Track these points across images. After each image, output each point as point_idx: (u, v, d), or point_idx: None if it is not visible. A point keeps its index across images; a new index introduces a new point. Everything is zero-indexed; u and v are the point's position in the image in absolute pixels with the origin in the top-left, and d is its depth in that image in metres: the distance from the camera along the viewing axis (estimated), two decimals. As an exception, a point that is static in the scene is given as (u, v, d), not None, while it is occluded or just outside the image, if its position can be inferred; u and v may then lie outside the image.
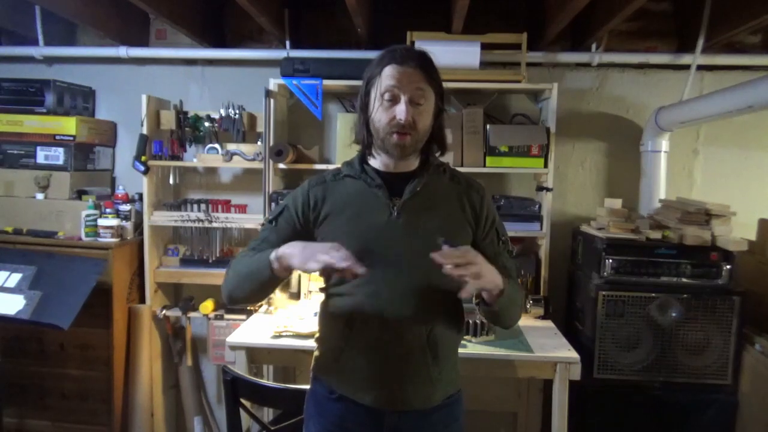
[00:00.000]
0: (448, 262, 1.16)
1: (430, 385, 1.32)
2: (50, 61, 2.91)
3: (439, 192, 1.36)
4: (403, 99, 1.26)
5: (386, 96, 1.27)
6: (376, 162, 1.37)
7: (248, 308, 2.58)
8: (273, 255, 1.27)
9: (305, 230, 1.38)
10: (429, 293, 1.30)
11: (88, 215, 2.54)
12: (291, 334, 2.10)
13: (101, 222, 2.55)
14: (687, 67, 2.59)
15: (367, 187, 1.34)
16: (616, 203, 2.46)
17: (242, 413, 1.72)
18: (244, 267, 1.35)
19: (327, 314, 1.39)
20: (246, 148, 2.64)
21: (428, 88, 1.29)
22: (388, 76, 1.27)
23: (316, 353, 1.42)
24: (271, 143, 2.50)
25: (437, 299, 1.32)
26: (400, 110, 1.26)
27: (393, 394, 1.30)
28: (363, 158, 1.39)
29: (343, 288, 1.33)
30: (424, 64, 1.29)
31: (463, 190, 1.38)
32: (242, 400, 1.71)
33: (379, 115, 1.28)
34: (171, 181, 2.82)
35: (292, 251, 1.25)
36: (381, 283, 1.29)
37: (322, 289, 1.42)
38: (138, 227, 2.71)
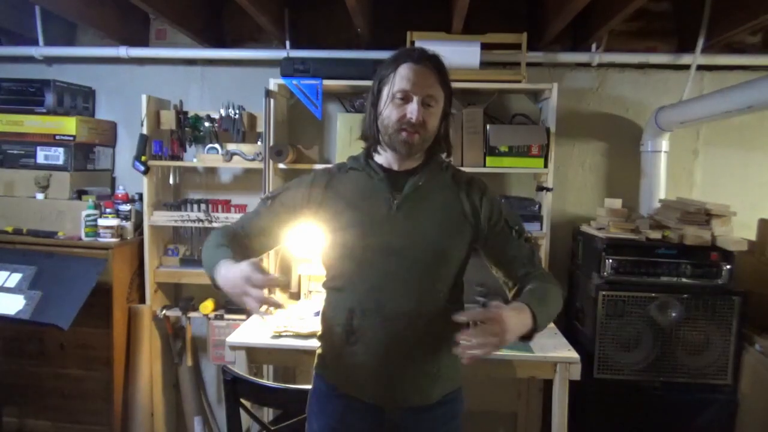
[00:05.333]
0: (471, 345, 1.10)
1: (429, 381, 1.33)
2: (50, 61, 2.91)
3: (440, 188, 1.38)
4: (415, 99, 1.28)
5: (399, 94, 1.28)
6: (381, 159, 1.39)
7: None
8: (218, 270, 1.23)
9: (303, 215, 1.39)
10: (428, 288, 1.32)
11: (88, 215, 2.53)
12: (291, 334, 2.10)
13: (101, 222, 2.55)
14: (687, 67, 2.58)
15: (370, 180, 1.36)
16: (616, 203, 2.46)
17: (242, 413, 1.72)
18: (208, 249, 1.33)
19: (328, 311, 1.40)
20: (246, 148, 2.64)
21: (440, 90, 1.31)
22: (402, 75, 1.28)
23: (318, 351, 1.43)
24: (271, 143, 2.50)
25: (436, 294, 1.33)
26: (412, 109, 1.27)
27: (393, 391, 1.31)
28: (368, 153, 1.40)
29: (342, 282, 1.34)
30: (438, 66, 1.31)
31: (463, 188, 1.39)
32: (242, 400, 1.71)
33: (389, 112, 1.30)
34: (171, 181, 2.81)
35: (224, 284, 1.22)
36: (380, 277, 1.30)
37: (323, 285, 1.43)
38: (138, 227, 2.70)
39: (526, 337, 1.23)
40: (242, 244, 1.39)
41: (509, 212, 1.42)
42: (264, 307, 1.17)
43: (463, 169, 1.50)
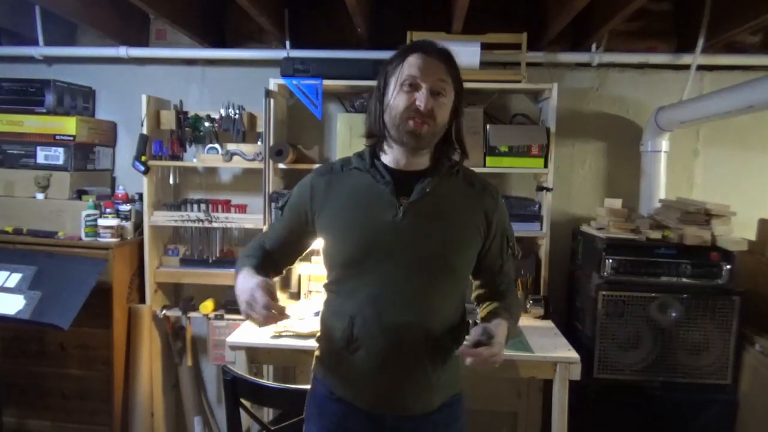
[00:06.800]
0: (476, 362, 1.16)
1: (429, 391, 1.30)
2: (50, 61, 2.91)
3: (450, 195, 1.32)
4: (424, 87, 1.23)
5: (407, 82, 1.24)
6: (387, 158, 1.33)
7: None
8: (237, 273, 1.33)
9: (309, 222, 1.36)
10: (431, 299, 1.28)
11: (88, 215, 2.54)
12: (291, 334, 2.10)
13: (101, 222, 2.55)
14: (687, 67, 2.58)
15: (375, 183, 1.30)
16: (616, 203, 2.46)
17: (242, 413, 1.72)
18: (238, 263, 1.41)
19: (328, 315, 1.36)
20: (246, 148, 2.64)
21: (449, 82, 1.27)
22: (411, 64, 1.24)
23: (317, 353, 1.41)
24: (271, 143, 2.50)
25: (439, 305, 1.29)
26: (421, 96, 1.22)
27: (393, 400, 1.28)
28: (374, 152, 1.35)
29: (343, 288, 1.31)
30: (447, 58, 1.28)
31: (476, 194, 1.34)
32: (242, 400, 1.70)
33: (396, 101, 1.25)
34: (171, 181, 2.81)
35: (237, 288, 1.29)
36: (382, 286, 1.26)
37: (324, 286, 1.40)
38: (138, 227, 2.71)
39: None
40: (269, 256, 1.43)
41: (510, 225, 1.42)
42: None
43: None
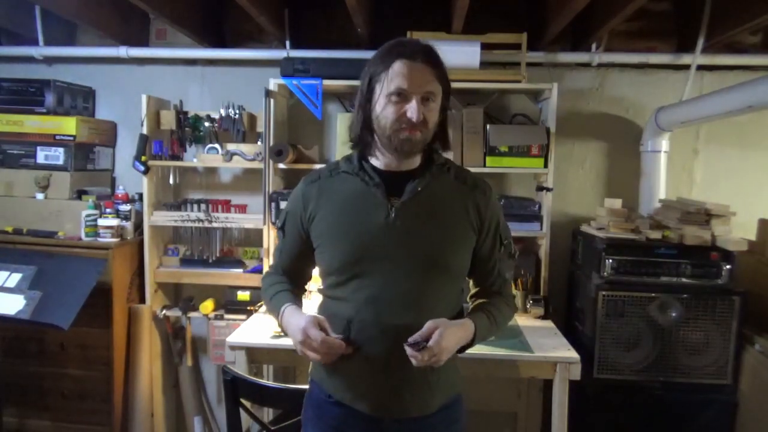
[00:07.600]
0: (418, 362, 1.19)
1: (428, 392, 1.29)
2: (50, 61, 2.91)
3: (442, 193, 1.31)
4: (414, 98, 1.21)
5: (395, 92, 1.21)
6: (377, 161, 1.32)
7: (248, 308, 2.59)
8: (281, 314, 1.33)
9: (307, 234, 1.36)
10: (427, 299, 1.27)
11: (88, 215, 2.54)
12: (291, 334, 2.10)
13: (101, 222, 2.55)
14: (687, 67, 2.59)
15: (365, 186, 1.29)
16: (616, 203, 2.46)
17: (242, 413, 1.72)
18: (267, 299, 1.43)
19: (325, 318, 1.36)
20: (246, 148, 2.64)
21: (437, 85, 1.24)
22: (397, 73, 1.20)
23: None
24: (271, 143, 2.50)
25: (436, 305, 1.28)
26: (412, 108, 1.20)
27: (391, 402, 1.28)
28: (362, 155, 1.34)
29: (339, 292, 1.30)
30: (432, 59, 1.23)
31: (468, 190, 1.33)
32: (242, 400, 1.71)
33: (386, 112, 1.22)
34: (171, 181, 2.82)
35: (287, 329, 1.32)
36: (379, 288, 1.25)
37: (319, 290, 1.40)
38: (138, 227, 2.71)
39: (459, 351, 1.30)
40: (292, 277, 1.46)
41: (505, 223, 1.40)
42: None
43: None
